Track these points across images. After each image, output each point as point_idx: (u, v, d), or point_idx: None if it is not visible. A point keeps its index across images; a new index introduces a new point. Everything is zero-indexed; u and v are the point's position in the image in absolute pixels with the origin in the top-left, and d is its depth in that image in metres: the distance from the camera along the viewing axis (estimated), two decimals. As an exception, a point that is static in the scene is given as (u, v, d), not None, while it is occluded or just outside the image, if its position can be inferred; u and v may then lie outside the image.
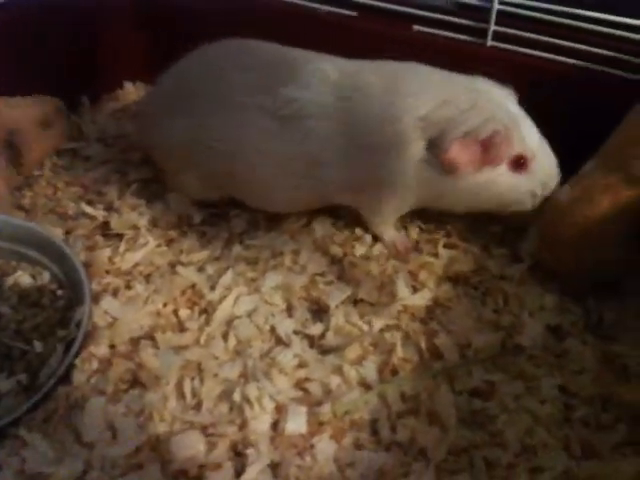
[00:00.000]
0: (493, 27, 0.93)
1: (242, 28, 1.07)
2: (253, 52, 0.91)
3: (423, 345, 0.82)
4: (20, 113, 1.02)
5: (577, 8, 0.88)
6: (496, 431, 0.73)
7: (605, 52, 0.89)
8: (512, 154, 0.82)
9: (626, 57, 0.89)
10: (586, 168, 0.82)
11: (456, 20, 0.95)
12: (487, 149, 0.80)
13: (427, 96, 0.81)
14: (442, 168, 0.81)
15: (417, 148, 0.82)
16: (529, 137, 0.83)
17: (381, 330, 0.85)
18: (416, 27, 0.98)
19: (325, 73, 0.85)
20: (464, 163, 0.80)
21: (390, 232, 0.95)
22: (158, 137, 0.96)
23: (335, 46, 0.91)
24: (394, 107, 0.82)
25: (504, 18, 0.92)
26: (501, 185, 0.84)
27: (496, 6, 0.90)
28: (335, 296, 0.89)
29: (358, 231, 0.98)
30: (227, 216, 1.02)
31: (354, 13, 1.02)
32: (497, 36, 0.94)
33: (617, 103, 0.83)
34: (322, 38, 0.91)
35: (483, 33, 0.94)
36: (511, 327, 0.84)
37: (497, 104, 0.82)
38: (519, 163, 0.83)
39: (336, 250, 0.95)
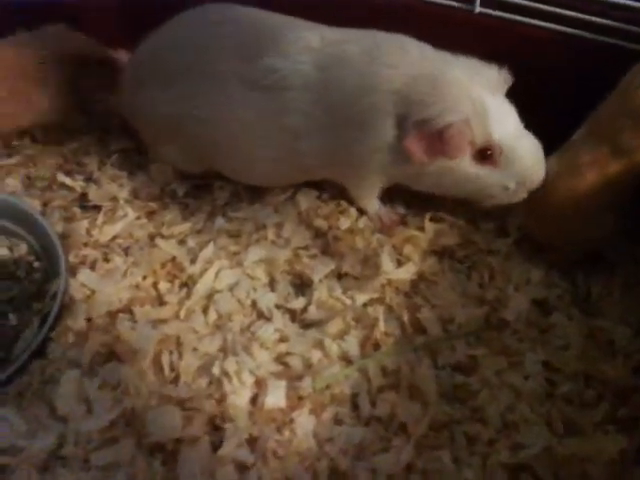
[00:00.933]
0: (482, -8, 0.89)
1: None
2: (234, 18, 0.87)
3: (406, 319, 0.81)
4: None
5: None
6: (477, 406, 0.72)
7: (597, 19, 0.86)
8: (476, 146, 0.77)
9: (619, 25, 0.86)
10: (574, 138, 0.80)
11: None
12: (443, 141, 0.74)
13: (403, 70, 0.77)
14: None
15: (389, 123, 0.78)
16: (500, 129, 0.76)
17: (364, 304, 0.83)
18: (404, -8, 0.95)
19: (307, 42, 0.82)
20: (418, 152, 0.76)
21: (374, 205, 0.93)
22: (139, 107, 0.93)
23: (321, 14, 0.87)
24: (372, 78, 0.78)
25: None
26: (464, 176, 0.80)
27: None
28: (319, 270, 0.87)
29: (343, 204, 0.95)
30: (210, 188, 0.99)
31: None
32: (486, 2, 0.90)
33: (608, 71, 0.80)
34: (307, 7, 0.87)
35: (472, -1, 0.90)
36: (496, 301, 0.83)
37: (465, 92, 0.75)
38: (485, 155, 0.77)
39: (320, 223, 0.93)
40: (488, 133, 0.76)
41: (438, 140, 0.75)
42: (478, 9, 0.91)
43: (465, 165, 0.79)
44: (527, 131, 0.80)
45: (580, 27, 0.88)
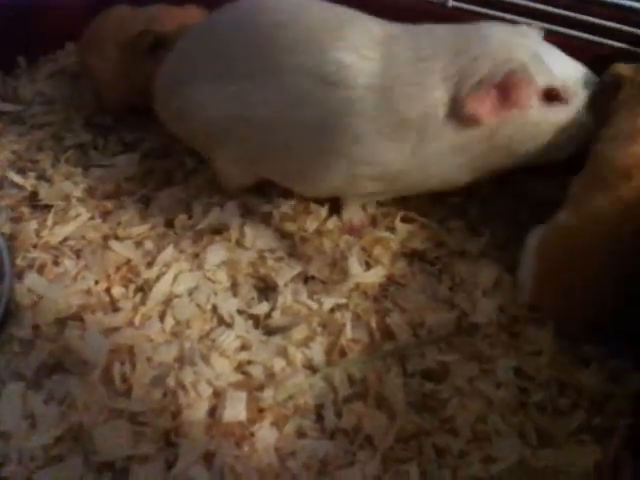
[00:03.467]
0: (455, -14, 0.86)
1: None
2: (290, 7, 0.79)
3: (374, 325, 0.77)
4: None
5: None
6: (447, 416, 0.68)
7: (570, 14, 0.83)
8: (539, 89, 0.75)
9: (594, 20, 0.84)
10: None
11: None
12: (506, 92, 0.73)
13: (443, 55, 0.74)
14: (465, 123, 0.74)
15: (444, 111, 0.74)
16: (556, 67, 0.75)
17: (331, 309, 0.79)
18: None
19: (373, 35, 0.76)
20: (485, 113, 0.73)
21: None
22: (183, 109, 0.83)
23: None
24: (418, 74, 0.74)
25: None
26: (539, 125, 0.76)
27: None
28: (284, 273, 0.83)
29: (312, 205, 0.91)
30: (171, 186, 0.95)
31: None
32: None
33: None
34: None
35: (445, -7, 0.87)
36: (467, 305, 0.79)
37: (509, 44, 0.75)
38: (552, 96, 0.75)
39: (287, 225, 0.89)
40: (547, 73, 0.75)
41: (502, 94, 0.73)
42: (451, 3, 0.89)
43: (537, 113, 0.76)
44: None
45: (553, 21, 0.86)
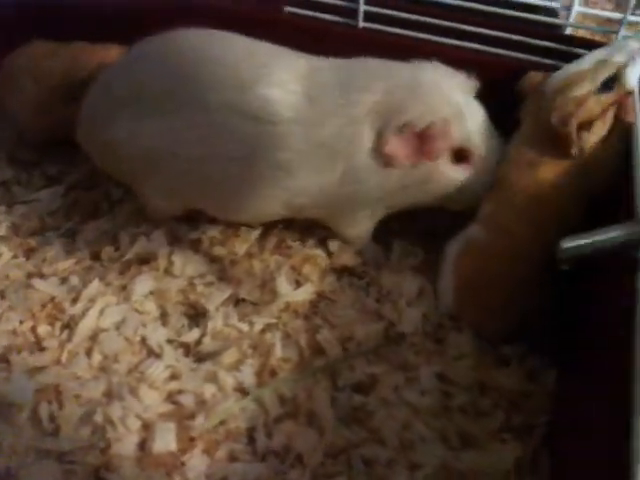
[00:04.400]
0: (363, 7, 0.89)
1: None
2: (219, 43, 0.80)
3: (303, 343, 0.79)
4: None
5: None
6: (375, 427, 0.70)
7: (481, 30, 0.87)
8: (454, 147, 0.78)
9: (505, 35, 0.87)
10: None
11: (327, 0, 0.91)
12: (424, 142, 0.75)
13: (375, 89, 0.76)
14: (382, 161, 0.77)
15: (369, 144, 0.77)
16: (477, 131, 0.78)
17: (262, 330, 0.81)
18: (287, 9, 0.93)
19: (298, 71, 0.78)
20: (401, 156, 0.76)
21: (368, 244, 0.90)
22: (109, 143, 0.82)
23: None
24: (347, 107, 0.76)
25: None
26: (445, 179, 0.80)
27: (363, -15, 0.86)
28: (214, 298, 0.84)
29: (241, 228, 0.92)
30: (97, 217, 0.94)
31: (224, -4, 0.96)
32: (369, 17, 0.90)
33: (494, 83, 0.82)
34: (193, 24, 0.84)
35: (355, 14, 0.90)
36: (393, 316, 0.82)
37: (440, 94, 0.77)
38: (461, 156, 0.79)
39: (217, 249, 0.90)
40: (466, 134, 0.78)
41: (420, 142, 0.75)
42: (362, 24, 0.91)
43: (443, 167, 0.79)
44: (494, 131, 0.81)
45: (465, 39, 0.89)
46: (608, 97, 0.74)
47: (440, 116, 0.75)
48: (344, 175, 0.78)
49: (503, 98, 0.82)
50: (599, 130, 0.74)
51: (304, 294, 0.85)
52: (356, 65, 0.80)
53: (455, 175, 0.80)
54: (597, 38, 1.03)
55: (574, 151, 0.72)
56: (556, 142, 0.72)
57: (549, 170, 0.74)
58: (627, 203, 0.61)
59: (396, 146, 0.75)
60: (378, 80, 0.77)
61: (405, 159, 0.76)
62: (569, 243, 0.56)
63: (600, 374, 0.61)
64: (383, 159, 0.76)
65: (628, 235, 0.52)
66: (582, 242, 0.55)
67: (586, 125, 0.71)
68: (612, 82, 0.74)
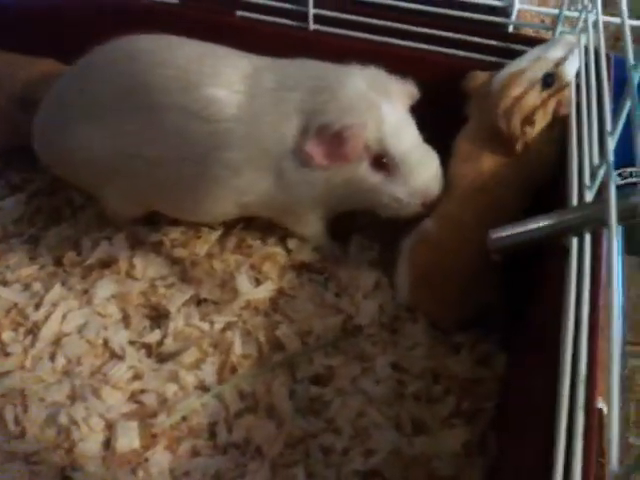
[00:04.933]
0: (313, 10, 0.91)
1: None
2: (167, 46, 0.82)
3: (263, 339, 0.81)
4: None
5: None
6: (331, 417, 0.73)
7: (430, 31, 0.89)
8: (371, 152, 0.78)
9: (451, 35, 0.90)
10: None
11: (278, 4, 0.93)
12: (340, 144, 0.76)
13: (303, 88, 0.78)
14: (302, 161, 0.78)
15: (294, 142, 0.78)
16: (395, 138, 0.78)
17: (223, 329, 0.83)
18: (240, 13, 0.95)
19: (243, 70, 0.80)
20: (318, 156, 0.77)
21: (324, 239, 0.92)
22: (65, 150, 0.84)
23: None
24: (279, 104, 0.78)
25: (324, 1, 0.91)
26: (363, 184, 0.80)
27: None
28: (176, 299, 0.86)
29: (202, 229, 0.94)
30: (60, 223, 0.96)
31: (176, 1, 0.97)
32: (319, 20, 0.93)
33: (442, 82, 0.85)
34: (144, 28, 0.85)
35: (305, 17, 0.92)
36: (351, 309, 0.84)
37: (361, 99, 0.77)
38: (381, 163, 0.79)
39: (178, 251, 0.92)
40: (383, 140, 0.78)
41: (337, 144, 0.76)
42: (312, 26, 0.94)
43: (363, 172, 0.79)
44: (426, 144, 0.81)
45: (413, 39, 0.92)
46: (551, 93, 0.77)
47: (356, 120, 0.76)
48: (278, 174, 0.80)
49: (451, 97, 0.85)
50: (539, 122, 0.77)
51: (264, 292, 0.87)
52: (292, 65, 0.82)
53: (374, 180, 0.80)
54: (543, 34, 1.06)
55: (518, 147, 0.75)
56: (501, 140, 0.75)
57: (490, 161, 0.77)
58: (562, 193, 0.64)
59: (314, 147, 0.77)
60: (306, 80, 0.79)
61: (321, 160, 0.77)
62: (497, 234, 0.59)
63: (538, 357, 0.64)
64: (302, 159, 0.78)
65: (554, 225, 0.55)
66: (509, 233, 0.58)
67: (530, 122, 0.75)
68: (552, 78, 0.77)
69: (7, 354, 0.79)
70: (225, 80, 0.79)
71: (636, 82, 0.51)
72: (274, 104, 0.78)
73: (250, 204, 0.84)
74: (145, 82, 0.79)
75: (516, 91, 0.76)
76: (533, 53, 0.80)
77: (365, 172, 0.80)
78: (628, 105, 0.50)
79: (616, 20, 0.69)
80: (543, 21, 1.21)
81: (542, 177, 0.78)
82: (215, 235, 0.94)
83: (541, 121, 0.78)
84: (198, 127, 0.78)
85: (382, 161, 0.79)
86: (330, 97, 0.77)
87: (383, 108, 0.78)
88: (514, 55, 0.85)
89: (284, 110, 0.78)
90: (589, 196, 0.59)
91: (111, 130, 0.81)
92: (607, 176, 0.52)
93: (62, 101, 0.85)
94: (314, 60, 0.83)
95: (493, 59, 0.89)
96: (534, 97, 0.77)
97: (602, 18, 0.77)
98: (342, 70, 0.81)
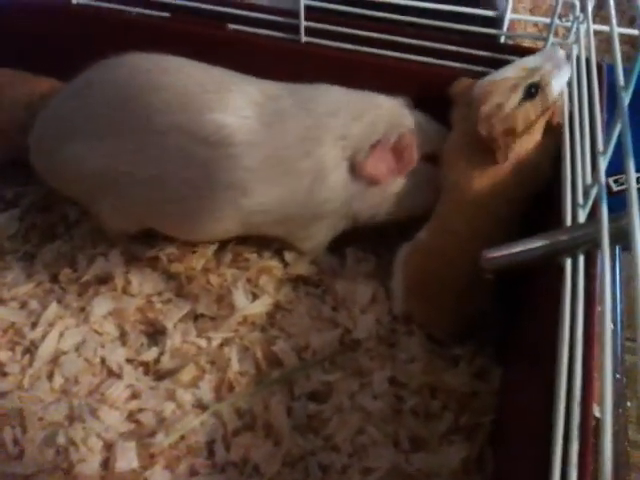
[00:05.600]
0: (304, 23, 0.91)
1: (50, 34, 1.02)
2: (171, 68, 0.82)
3: (260, 355, 0.81)
4: None
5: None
6: (329, 434, 0.73)
7: (425, 43, 0.89)
8: (422, 152, 0.84)
9: (441, 46, 0.90)
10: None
11: (269, 17, 0.93)
12: (399, 153, 0.82)
13: (342, 115, 0.82)
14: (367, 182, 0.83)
15: (342, 168, 0.82)
16: (433, 133, 0.86)
17: (220, 345, 0.83)
18: (231, 26, 0.95)
19: (251, 97, 0.81)
20: (383, 174, 0.82)
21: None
22: (63, 165, 0.84)
23: (149, 49, 0.85)
24: (315, 129, 0.81)
25: (315, 13, 0.91)
26: (424, 184, 0.86)
27: (303, 1, 0.88)
28: (172, 315, 0.86)
29: (198, 244, 0.94)
30: (55, 239, 0.96)
31: (166, 14, 0.97)
32: (311, 32, 0.92)
33: (433, 93, 0.85)
34: (134, 42, 0.85)
35: (296, 29, 0.92)
36: (348, 323, 0.84)
37: (394, 111, 0.85)
38: (431, 159, 0.85)
39: (174, 266, 0.91)
40: (429, 138, 0.85)
41: (394, 156, 0.82)
42: (304, 38, 0.94)
43: (423, 170, 0.85)
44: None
45: (408, 52, 0.92)
46: (533, 105, 0.76)
47: (404, 128, 0.83)
48: (309, 193, 0.82)
49: (444, 108, 0.85)
50: (530, 134, 0.77)
51: (261, 306, 0.87)
52: (314, 90, 0.85)
53: (433, 177, 0.85)
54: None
55: (501, 157, 0.75)
56: (484, 148, 0.75)
57: (481, 172, 0.77)
58: (554, 214, 0.64)
59: (375, 165, 0.81)
60: (343, 105, 0.83)
61: (388, 175, 0.83)
62: (491, 253, 0.59)
63: (533, 372, 0.65)
64: (366, 180, 0.82)
65: (548, 246, 0.56)
66: (503, 253, 0.58)
67: (512, 132, 0.74)
68: (535, 89, 0.76)
69: (4, 374, 0.79)
70: (233, 105, 0.79)
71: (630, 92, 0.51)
72: (305, 129, 0.81)
73: (257, 223, 0.85)
74: (144, 103, 0.79)
75: (499, 100, 0.76)
76: (521, 63, 0.79)
77: (425, 172, 0.85)
78: (619, 128, 0.50)
79: (607, 29, 0.69)
80: (537, 28, 1.22)
81: (537, 189, 0.78)
82: (211, 249, 0.94)
83: (530, 133, 0.77)
84: (203, 151, 0.79)
85: (432, 157, 0.85)
86: (372, 117, 0.83)
87: (413, 114, 0.86)
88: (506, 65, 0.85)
89: (319, 135, 0.81)
90: (582, 215, 0.59)
91: (108, 148, 0.81)
92: (599, 197, 0.52)
93: (60, 116, 0.85)
94: (327, 84, 0.86)
95: (485, 69, 0.89)
96: (515, 106, 0.75)
97: (594, 28, 0.77)
98: (367, 94, 0.86)
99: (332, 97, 0.84)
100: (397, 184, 0.85)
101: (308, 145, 0.81)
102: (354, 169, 0.82)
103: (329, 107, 0.83)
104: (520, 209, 0.79)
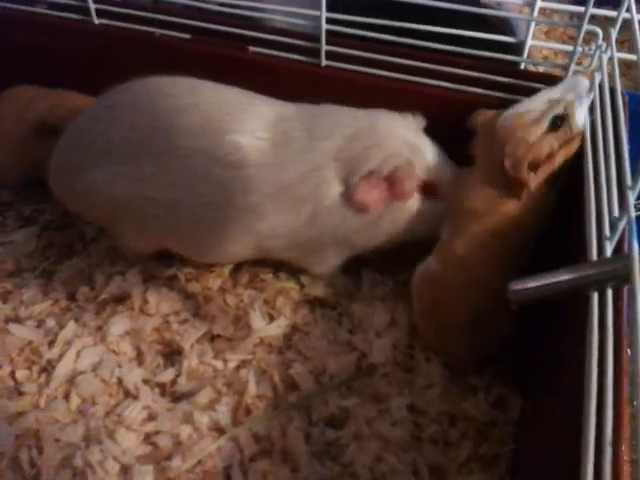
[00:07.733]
0: (325, 47, 0.91)
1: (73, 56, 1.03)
2: (191, 91, 0.82)
3: (277, 378, 0.81)
4: None
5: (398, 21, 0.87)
6: (348, 462, 0.72)
7: (444, 68, 0.89)
8: (420, 183, 0.83)
9: (461, 72, 0.90)
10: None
11: (290, 41, 0.93)
12: (392, 185, 0.80)
13: (336, 137, 0.81)
14: (355, 208, 0.81)
15: (335, 192, 0.80)
16: (434, 163, 0.84)
17: (237, 367, 0.83)
18: (252, 49, 0.96)
19: (267, 118, 0.81)
20: (373, 202, 0.80)
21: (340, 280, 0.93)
22: (83, 189, 0.83)
23: (170, 70, 0.86)
24: (313, 152, 0.80)
25: (336, 38, 0.92)
26: (416, 214, 0.84)
27: (324, 26, 0.89)
28: (189, 335, 0.85)
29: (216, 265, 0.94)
30: (72, 257, 0.96)
31: (187, 36, 0.98)
32: (331, 56, 0.93)
33: (453, 118, 0.85)
34: (156, 63, 0.85)
35: (318, 53, 0.92)
36: (365, 346, 0.84)
37: (398, 138, 0.82)
38: (429, 189, 0.83)
39: (191, 285, 0.92)
40: (428, 169, 0.83)
41: (388, 186, 0.80)
42: (324, 62, 0.94)
43: (416, 203, 0.84)
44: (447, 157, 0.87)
45: (428, 77, 0.92)
46: (557, 137, 0.76)
47: (402, 158, 0.80)
48: (311, 218, 0.81)
49: (463, 134, 0.85)
50: (547, 168, 0.76)
51: (277, 328, 0.87)
52: (318, 112, 0.83)
53: (425, 208, 0.84)
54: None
55: (524, 193, 0.75)
56: (508, 183, 0.75)
57: (502, 205, 0.77)
58: (577, 244, 0.64)
59: (366, 193, 0.79)
60: (338, 127, 0.81)
61: (376, 204, 0.81)
62: (518, 285, 0.59)
63: (556, 403, 0.64)
64: (355, 206, 0.80)
65: (576, 279, 0.55)
66: (530, 285, 0.58)
67: (536, 165, 0.74)
68: (560, 120, 0.76)
69: (21, 393, 0.79)
70: (249, 127, 0.80)
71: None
72: (306, 152, 0.80)
73: (270, 247, 0.85)
74: (166, 127, 0.80)
75: (525, 134, 0.75)
76: (544, 94, 0.79)
77: (419, 203, 0.84)
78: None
79: (632, 57, 0.69)
80: (554, 50, 1.22)
81: (550, 218, 0.78)
82: (228, 269, 0.94)
83: (549, 166, 0.76)
84: (222, 172, 0.79)
85: (430, 187, 0.83)
86: (369, 142, 0.80)
87: (415, 140, 0.83)
88: (526, 92, 0.85)
89: (318, 158, 0.80)
90: (609, 248, 0.58)
91: (129, 172, 0.81)
92: (628, 232, 0.52)
93: (81, 141, 0.85)
94: (335, 105, 0.85)
95: (505, 95, 0.89)
96: (541, 140, 0.75)
97: (617, 55, 0.77)
98: (370, 114, 0.84)
99: (331, 118, 0.83)
100: (393, 212, 0.83)
101: (307, 169, 0.80)
102: (345, 194, 0.80)
103: (325, 129, 0.81)
104: (534, 243, 0.78)
